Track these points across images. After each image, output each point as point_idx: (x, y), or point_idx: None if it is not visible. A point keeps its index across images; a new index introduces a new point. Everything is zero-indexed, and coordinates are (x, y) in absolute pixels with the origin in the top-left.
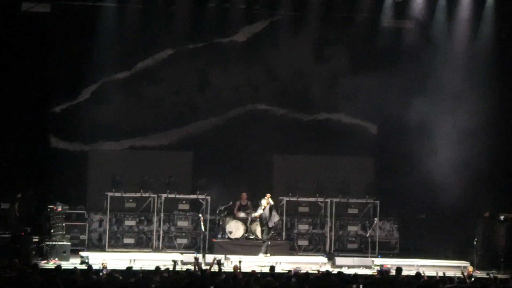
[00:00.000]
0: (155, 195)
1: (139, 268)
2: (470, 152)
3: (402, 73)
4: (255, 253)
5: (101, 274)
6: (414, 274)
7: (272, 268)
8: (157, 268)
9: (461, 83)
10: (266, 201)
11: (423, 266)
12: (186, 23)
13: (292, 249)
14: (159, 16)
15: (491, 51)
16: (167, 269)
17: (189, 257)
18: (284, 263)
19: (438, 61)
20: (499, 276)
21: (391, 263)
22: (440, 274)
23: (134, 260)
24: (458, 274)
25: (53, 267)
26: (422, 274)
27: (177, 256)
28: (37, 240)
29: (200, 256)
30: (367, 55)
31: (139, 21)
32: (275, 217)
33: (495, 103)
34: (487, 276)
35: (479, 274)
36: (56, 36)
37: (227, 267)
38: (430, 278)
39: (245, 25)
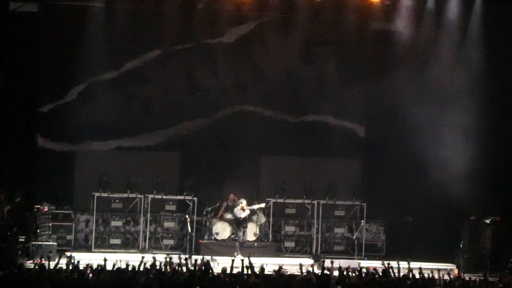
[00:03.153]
0: (142, 196)
1: (126, 266)
2: (457, 155)
3: (390, 75)
4: (242, 254)
5: (85, 275)
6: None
7: (262, 269)
8: (145, 268)
9: (451, 85)
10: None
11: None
12: (174, 24)
13: (279, 251)
14: (147, 17)
15: (481, 52)
16: (151, 269)
17: (176, 258)
18: (270, 265)
19: (427, 62)
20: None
21: (377, 265)
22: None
23: (120, 261)
24: (445, 276)
25: (37, 267)
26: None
27: (163, 257)
28: (23, 240)
29: (186, 256)
30: (355, 57)
31: (127, 21)
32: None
33: (485, 107)
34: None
35: (465, 276)
36: (44, 36)
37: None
38: (416, 280)
39: (233, 26)
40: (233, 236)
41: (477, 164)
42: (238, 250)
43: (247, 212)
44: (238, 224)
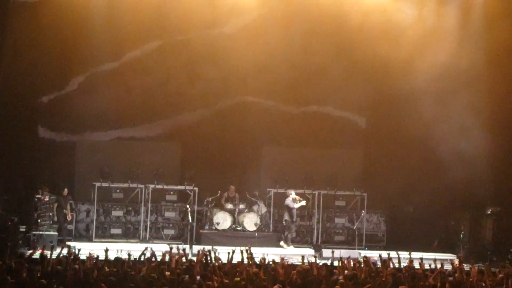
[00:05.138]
0: (142, 186)
1: (127, 257)
2: (458, 146)
3: (391, 65)
4: (242, 244)
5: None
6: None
7: (263, 260)
8: (147, 259)
9: (451, 77)
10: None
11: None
12: (175, 14)
13: (279, 241)
14: (148, 7)
15: (483, 38)
16: (152, 259)
17: (176, 248)
18: (271, 255)
19: (431, 47)
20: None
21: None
22: (427, 266)
23: (121, 251)
24: (446, 266)
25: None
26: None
27: (164, 247)
28: (24, 229)
29: (187, 247)
30: (356, 48)
31: (128, 12)
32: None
33: (488, 99)
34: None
35: (466, 267)
36: (45, 26)
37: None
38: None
39: (234, 17)
40: (233, 226)
41: (478, 156)
42: (288, 241)
43: (303, 203)
44: (291, 216)
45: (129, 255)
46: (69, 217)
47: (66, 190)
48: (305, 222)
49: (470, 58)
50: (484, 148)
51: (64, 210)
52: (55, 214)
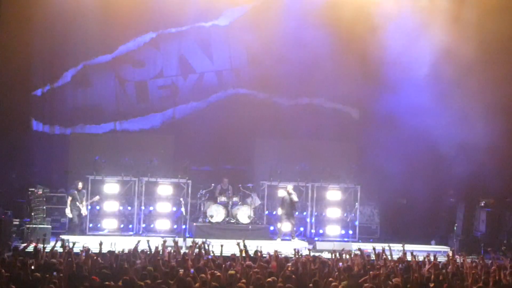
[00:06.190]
0: (136, 179)
1: (121, 251)
2: (452, 138)
3: (383, 58)
4: (236, 237)
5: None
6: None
7: (256, 252)
8: (142, 251)
9: (445, 67)
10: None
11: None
12: (169, 7)
13: (273, 234)
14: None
15: (479, 28)
16: (146, 252)
17: (170, 241)
18: (265, 248)
19: (423, 42)
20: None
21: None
22: (421, 258)
23: (115, 244)
24: (440, 259)
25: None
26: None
27: (158, 240)
28: (17, 222)
29: (180, 240)
30: (348, 39)
31: (121, 4)
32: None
33: (484, 89)
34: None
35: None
36: (38, 19)
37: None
38: (409, 262)
39: (227, 9)
40: (227, 219)
41: (473, 149)
42: (279, 234)
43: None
44: (283, 207)
45: (124, 248)
46: (83, 212)
47: (80, 184)
48: (298, 215)
49: (465, 48)
50: (479, 140)
51: (78, 204)
52: (69, 209)
